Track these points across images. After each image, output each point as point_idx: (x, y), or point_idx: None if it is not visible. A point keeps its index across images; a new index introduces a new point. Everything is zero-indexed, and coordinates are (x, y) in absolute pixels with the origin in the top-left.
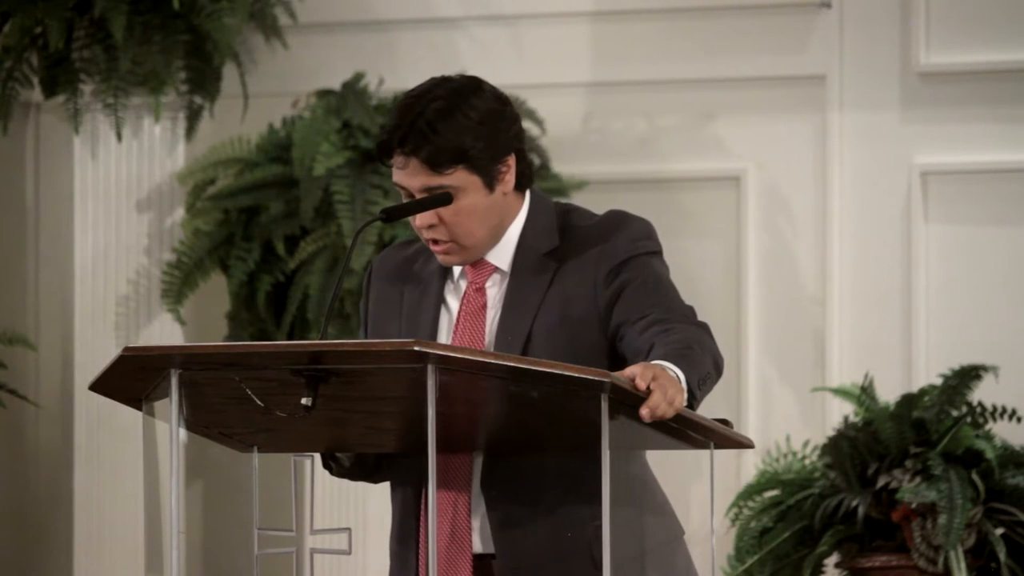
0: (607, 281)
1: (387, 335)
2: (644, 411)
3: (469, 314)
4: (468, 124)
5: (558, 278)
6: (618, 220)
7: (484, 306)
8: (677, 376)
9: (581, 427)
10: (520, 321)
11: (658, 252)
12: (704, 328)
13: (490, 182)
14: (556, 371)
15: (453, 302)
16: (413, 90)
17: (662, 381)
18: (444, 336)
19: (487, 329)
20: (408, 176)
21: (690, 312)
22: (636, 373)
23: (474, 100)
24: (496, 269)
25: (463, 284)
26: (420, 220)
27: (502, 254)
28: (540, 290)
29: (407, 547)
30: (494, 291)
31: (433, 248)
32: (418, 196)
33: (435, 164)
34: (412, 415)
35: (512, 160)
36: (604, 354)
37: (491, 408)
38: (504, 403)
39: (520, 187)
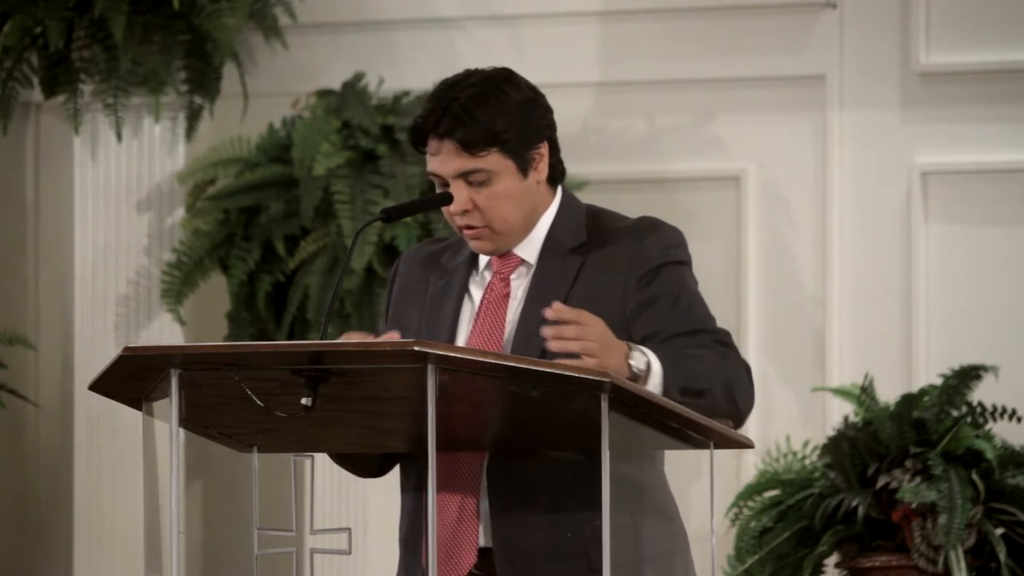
0: (639, 286)
1: (408, 323)
2: (548, 331)
3: (491, 303)
4: (502, 108)
5: (584, 275)
6: (651, 225)
7: (507, 296)
8: (644, 356)
9: (584, 427)
10: (542, 315)
11: (689, 263)
12: (727, 355)
13: (524, 167)
14: (556, 371)
15: (476, 293)
16: (447, 79)
17: (589, 330)
18: (465, 325)
19: (508, 319)
20: (442, 161)
21: (723, 335)
22: (568, 313)
23: (507, 87)
24: (522, 261)
25: (488, 275)
26: (455, 205)
27: (529, 247)
28: (565, 285)
29: (416, 544)
30: (519, 283)
31: (466, 234)
32: (451, 182)
33: (469, 145)
34: (418, 415)
35: (545, 148)
36: None
37: (497, 408)
38: (509, 402)
39: (552, 181)
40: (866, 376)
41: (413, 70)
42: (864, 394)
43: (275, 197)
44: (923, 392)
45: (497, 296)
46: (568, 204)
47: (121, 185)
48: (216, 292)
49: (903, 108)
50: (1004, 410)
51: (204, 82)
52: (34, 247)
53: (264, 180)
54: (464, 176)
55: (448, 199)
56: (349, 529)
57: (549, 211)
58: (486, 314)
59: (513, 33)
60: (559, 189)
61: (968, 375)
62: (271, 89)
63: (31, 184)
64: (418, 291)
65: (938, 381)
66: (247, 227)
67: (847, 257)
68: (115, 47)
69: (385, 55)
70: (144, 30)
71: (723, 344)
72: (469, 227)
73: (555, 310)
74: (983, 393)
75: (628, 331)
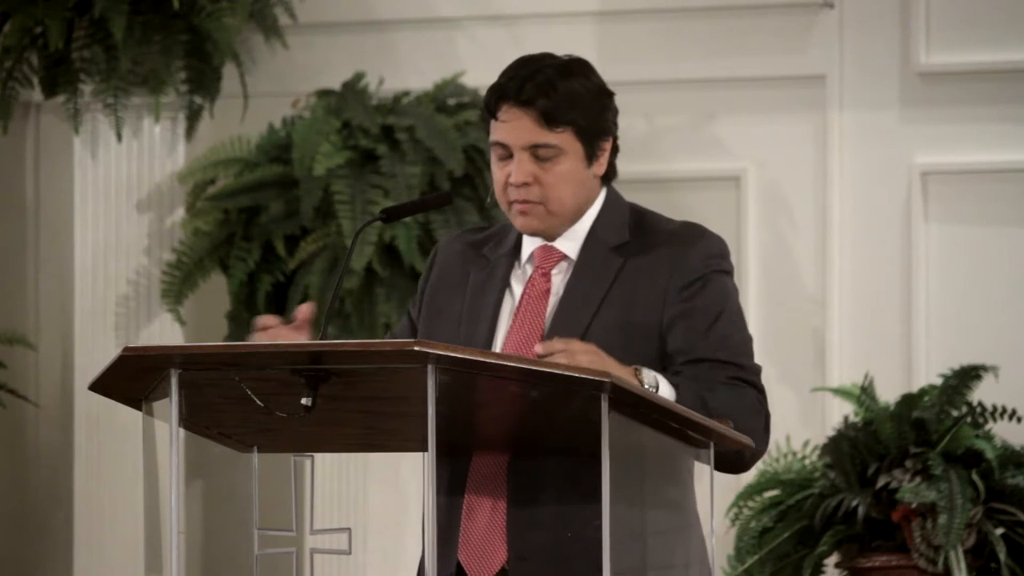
0: (681, 296)
1: (447, 313)
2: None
3: (532, 299)
4: (583, 90)
5: (624, 276)
6: (697, 232)
7: (548, 291)
8: (655, 378)
9: (586, 427)
10: (580, 312)
11: (732, 273)
12: (745, 395)
13: (590, 155)
14: (556, 371)
15: (517, 287)
16: (524, 56)
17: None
18: (505, 319)
19: (548, 314)
20: (515, 131)
21: (750, 372)
22: (556, 344)
23: (588, 71)
24: (564, 257)
25: (529, 269)
26: (517, 176)
27: (572, 243)
28: (604, 284)
29: (446, 540)
30: (559, 278)
31: (518, 208)
32: (516, 153)
33: (551, 118)
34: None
35: (609, 144)
36: (656, 363)
37: (499, 408)
38: (510, 402)
39: (604, 179)
40: (866, 376)
41: (413, 70)
42: (864, 394)
43: (275, 197)
44: (923, 392)
45: (538, 292)
46: (613, 201)
47: (121, 185)
48: (216, 292)
49: (903, 108)
50: (1004, 410)
51: (204, 82)
52: (34, 247)
53: (264, 180)
54: (533, 149)
55: (448, 199)
56: (349, 529)
57: (594, 207)
58: (526, 309)
59: (513, 33)
60: (605, 187)
61: (968, 375)
62: (271, 89)
63: (31, 184)
64: (458, 282)
65: (938, 381)
66: (247, 227)
67: (847, 257)
68: (115, 47)
69: (385, 55)
70: (144, 30)
71: (747, 383)
72: (523, 201)
73: (544, 347)
74: (983, 393)
75: (663, 339)
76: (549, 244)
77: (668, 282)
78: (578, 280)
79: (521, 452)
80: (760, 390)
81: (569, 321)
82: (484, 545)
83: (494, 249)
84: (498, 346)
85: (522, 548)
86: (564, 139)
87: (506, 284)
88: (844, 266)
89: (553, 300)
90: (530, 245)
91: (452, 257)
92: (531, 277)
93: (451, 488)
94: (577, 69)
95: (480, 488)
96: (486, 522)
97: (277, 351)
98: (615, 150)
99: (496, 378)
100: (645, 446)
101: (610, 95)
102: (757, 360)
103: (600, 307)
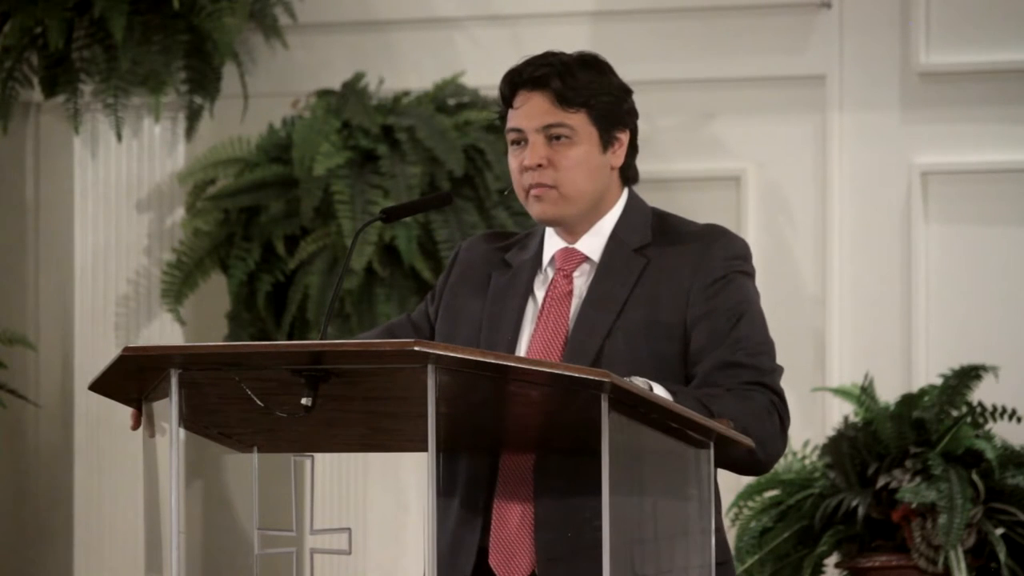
0: (705, 295)
1: (467, 316)
2: None
3: (554, 300)
4: (600, 79)
5: (647, 277)
6: (718, 234)
7: (570, 293)
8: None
9: (587, 427)
10: (603, 314)
11: (752, 275)
12: (752, 399)
13: (606, 142)
14: (556, 371)
15: (540, 291)
16: (545, 52)
17: None
18: (529, 324)
19: (571, 316)
20: (529, 113)
21: (766, 374)
22: None
23: (608, 68)
24: (586, 259)
25: (551, 272)
26: (531, 158)
27: (593, 244)
28: (628, 285)
29: (458, 548)
30: (581, 280)
31: (533, 193)
32: (531, 136)
33: (564, 98)
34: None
35: (626, 137)
36: (681, 363)
37: (501, 407)
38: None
39: (624, 177)
40: (866, 376)
41: (413, 70)
42: (864, 394)
43: (275, 197)
44: (923, 392)
45: (560, 294)
46: (634, 203)
47: (121, 185)
48: (216, 292)
49: (903, 108)
50: (1004, 410)
51: (204, 82)
52: (34, 247)
53: (264, 180)
54: (547, 130)
55: (449, 199)
56: (349, 529)
57: (615, 208)
58: (549, 312)
59: (513, 33)
60: (626, 189)
61: (968, 375)
62: (271, 89)
63: (31, 184)
64: (479, 284)
65: (938, 381)
66: (247, 227)
67: (847, 257)
68: (115, 47)
69: (385, 55)
70: (144, 30)
71: (763, 386)
72: (537, 185)
73: None
74: (983, 393)
75: (687, 339)
76: (571, 246)
77: (691, 282)
78: (601, 281)
79: (523, 452)
80: (777, 393)
81: (593, 322)
82: (513, 548)
83: (517, 255)
84: (522, 350)
85: (551, 550)
86: (577, 120)
87: (529, 290)
88: (844, 266)
89: (576, 302)
90: (551, 248)
91: (475, 259)
92: (553, 279)
93: (467, 487)
94: (594, 61)
95: (508, 490)
96: (516, 525)
97: (277, 351)
98: (634, 148)
99: (496, 378)
100: (653, 447)
101: (628, 91)
102: None
103: (624, 307)
